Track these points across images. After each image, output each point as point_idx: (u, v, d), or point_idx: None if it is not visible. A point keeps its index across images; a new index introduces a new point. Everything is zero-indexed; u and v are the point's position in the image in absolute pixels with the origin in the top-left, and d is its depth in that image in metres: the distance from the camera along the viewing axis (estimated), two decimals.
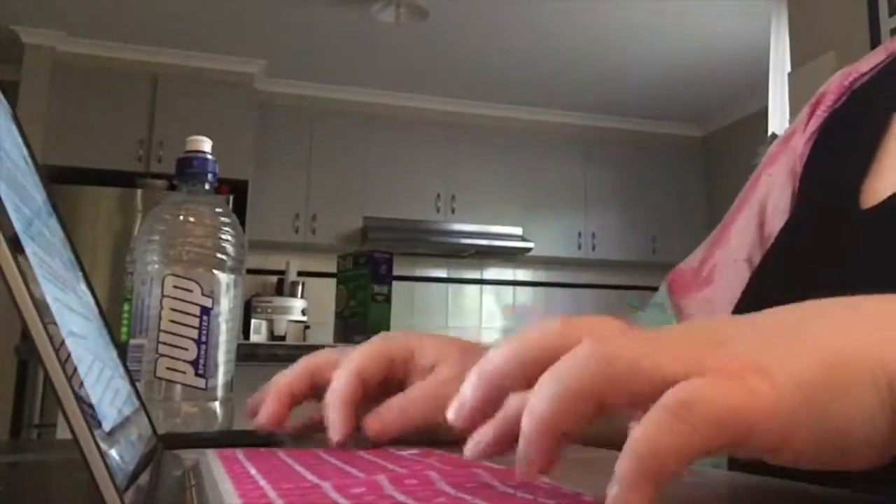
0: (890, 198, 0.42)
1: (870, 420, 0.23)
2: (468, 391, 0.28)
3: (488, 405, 0.27)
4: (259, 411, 0.50)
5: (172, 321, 0.61)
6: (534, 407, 0.24)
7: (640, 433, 0.22)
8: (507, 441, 0.26)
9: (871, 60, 0.54)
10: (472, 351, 0.50)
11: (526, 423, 0.24)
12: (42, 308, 0.21)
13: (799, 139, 0.55)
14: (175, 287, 0.62)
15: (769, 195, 0.56)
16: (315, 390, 0.50)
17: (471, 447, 0.27)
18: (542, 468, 0.25)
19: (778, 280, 0.48)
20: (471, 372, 0.28)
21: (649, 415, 0.22)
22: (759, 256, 0.55)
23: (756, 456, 0.24)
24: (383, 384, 0.48)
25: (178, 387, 0.61)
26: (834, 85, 0.55)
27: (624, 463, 0.22)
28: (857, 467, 0.24)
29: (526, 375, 0.26)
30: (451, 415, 0.28)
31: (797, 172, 0.54)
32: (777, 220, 0.54)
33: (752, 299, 0.49)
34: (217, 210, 0.66)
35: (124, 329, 1.41)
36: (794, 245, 0.49)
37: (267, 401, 0.49)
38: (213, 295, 0.63)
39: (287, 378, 0.50)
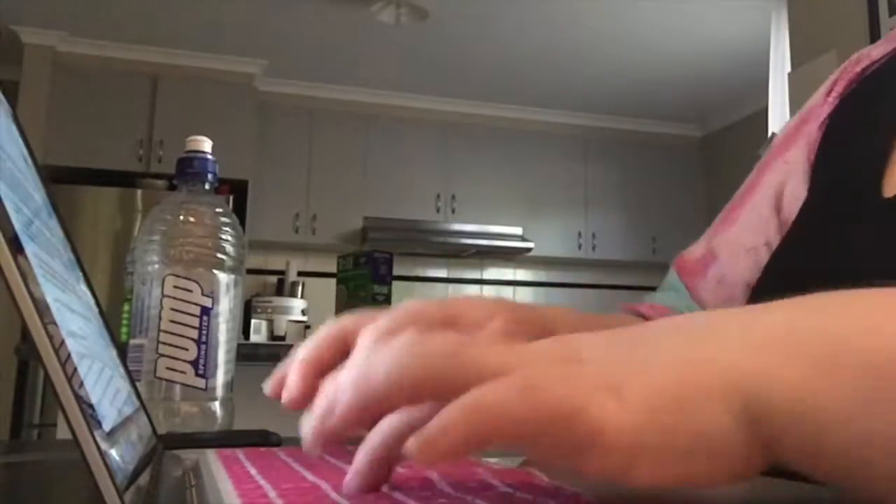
0: None
1: (723, 440, 0.23)
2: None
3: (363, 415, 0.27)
4: (282, 388, 0.42)
5: (172, 321, 0.61)
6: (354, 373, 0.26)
7: (483, 393, 0.23)
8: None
9: (884, 47, 0.53)
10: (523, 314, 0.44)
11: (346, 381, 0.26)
12: (42, 308, 0.21)
13: (813, 125, 0.55)
14: (175, 287, 0.62)
15: (787, 181, 0.55)
16: (345, 357, 0.44)
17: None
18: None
19: (800, 269, 0.48)
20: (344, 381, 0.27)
21: (501, 383, 0.23)
22: (778, 241, 0.54)
23: (598, 477, 0.24)
24: None
25: (178, 387, 0.61)
26: (846, 71, 0.55)
27: (456, 411, 0.22)
28: (716, 485, 0.24)
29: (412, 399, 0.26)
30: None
31: (811, 160, 0.54)
32: (795, 207, 0.54)
33: (773, 283, 0.49)
34: (217, 210, 0.66)
35: (124, 329, 1.41)
36: (813, 230, 0.49)
37: (291, 375, 0.39)
38: (213, 295, 0.63)
39: (313, 346, 0.39)
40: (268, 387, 0.38)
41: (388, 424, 0.26)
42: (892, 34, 0.54)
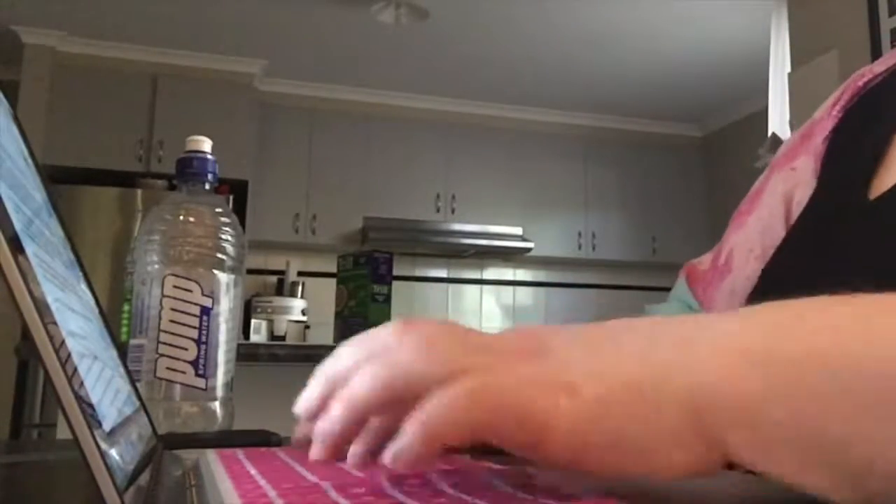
0: (894, 187, 0.43)
1: (669, 443, 0.24)
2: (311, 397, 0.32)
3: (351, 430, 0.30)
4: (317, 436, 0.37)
5: (172, 321, 0.61)
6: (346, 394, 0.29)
7: (435, 401, 0.25)
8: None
9: (887, 62, 0.54)
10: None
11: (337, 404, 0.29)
12: (42, 308, 0.21)
13: (818, 138, 0.56)
14: (175, 287, 0.62)
15: (795, 190, 0.56)
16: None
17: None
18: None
19: (790, 272, 0.49)
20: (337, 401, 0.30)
21: (451, 388, 0.25)
22: None
23: (551, 466, 0.25)
24: None
25: (178, 387, 0.61)
26: (850, 86, 0.56)
27: (414, 420, 0.25)
28: (669, 479, 0.25)
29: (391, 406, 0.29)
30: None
31: (817, 170, 0.55)
32: None
33: (766, 286, 0.50)
34: (217, 210, 0.66)
35: (124, 329, 1.41)
36: (805, 237, 0.50)
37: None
38: (213, 295, 0.63)
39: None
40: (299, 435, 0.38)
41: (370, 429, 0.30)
42: (895, 51, 0.55)
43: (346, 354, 0.31)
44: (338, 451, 0.29)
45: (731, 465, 0.25)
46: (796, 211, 0.55)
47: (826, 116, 0.56)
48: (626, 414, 0.24)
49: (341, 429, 0.29)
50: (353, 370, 0.29)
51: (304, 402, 0.33)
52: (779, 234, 0.56)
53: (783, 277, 0.49)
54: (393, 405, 0.27)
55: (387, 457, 0.25)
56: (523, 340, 0.28)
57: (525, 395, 0.25)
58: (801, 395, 0.22)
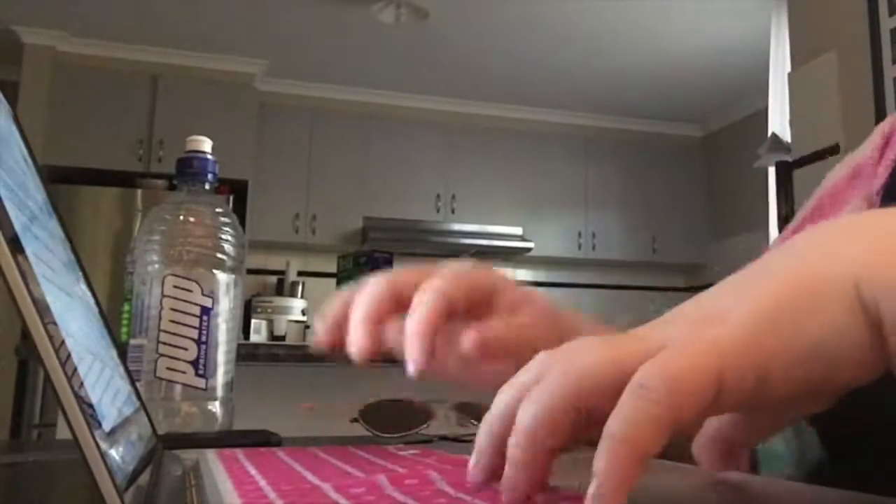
0: None
1: (845, 335, 0.23)
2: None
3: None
4: (339, 337, 0.41)
5: (172, 321, 0.61)
6: (518, 428, 0.25)
7: (609, 426, 0.23)
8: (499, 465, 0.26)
9: None
10: (551, 307, 0.45)
11: (512, 446, 0.25)
12: (42, 308, 0.21)
13: (870, 189, 0.53)
14: (175, 287, 0.62)
15: None
16: (400, 311, 0.41)
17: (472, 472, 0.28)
18: (532, 490, 0.25)
19: None
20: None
21: (615, 409, 0.23)
22: None
23: (753, 405, 0.24)
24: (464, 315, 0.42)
25: (178, 387, 0.61)
26: None
27: (601, 458, 0.22)
28: (847, 385, 0.24)
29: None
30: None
31: None
32: None
33: None
34: (217, 210, 0.66)
35: (124, 329, 1.41)
36: None
37: (355, 329, 0.39)
38: (213, 295, 0.63)
39: (372, 299, 0.40)
40: (321, 336, 0.40)
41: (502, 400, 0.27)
42: None
43: (500, 401, 0.27)
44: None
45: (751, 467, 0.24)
46: None
47: (875, 162, 0.53)
48: (790, 309, 0.24)
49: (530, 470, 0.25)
50: (508, 415, 0.26)
51: (329, 320, 0.36)
52: None
53: None
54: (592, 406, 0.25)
55: (591, 491, 0.22)
56: (696, 307, 0.27)
57: (673, 359, 0.23)
58: None
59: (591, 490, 0.22)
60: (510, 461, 0.25)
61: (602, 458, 0.22)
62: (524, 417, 0.25)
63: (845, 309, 0.23)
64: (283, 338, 4.18)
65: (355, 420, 0.61)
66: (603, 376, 0.24)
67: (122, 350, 0.42)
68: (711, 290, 0.27)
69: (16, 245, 0.21)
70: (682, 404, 0.22)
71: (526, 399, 0.25)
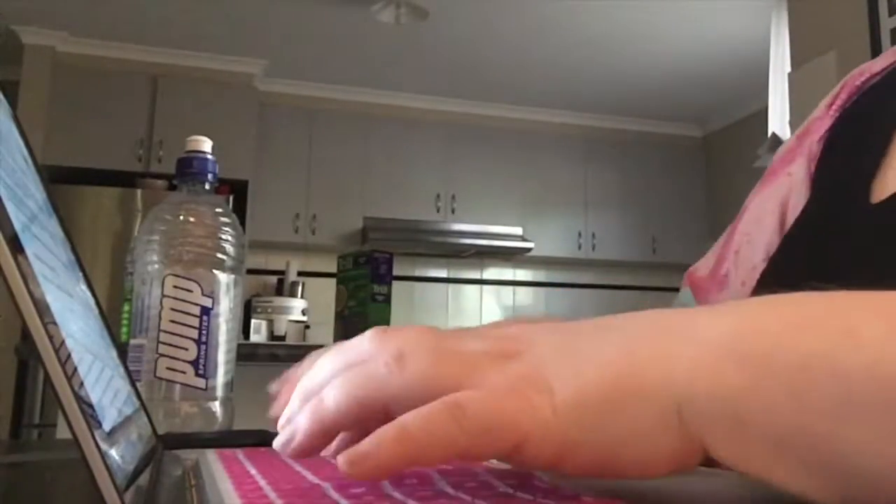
0: None
1: (648, 438, 0.24)
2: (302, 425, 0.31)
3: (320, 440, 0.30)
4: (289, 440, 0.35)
5: (172, 321, 0.61)
6: (318, 405, 0.29)
7: (406, 417, 0.24)
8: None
9: (885, 60, 0.53)
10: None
11: (306, 411, 0.30)
12: (42, 308, 0.21)
13: (814, 138, 0.54)
14: (175, 287, 0.62)
15: (790, 194, 0.55)
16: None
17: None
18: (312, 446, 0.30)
19: (788, 277, 0.48)
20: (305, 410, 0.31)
21: (428, 406, 0.25)
22: None
23: (535, 469, 0.25)
24: None
25: (178, 387, 0.61)
26: (847, 84, 0.54)
27: (389, 430, 0.24)
28: (649, 476, 0.24)
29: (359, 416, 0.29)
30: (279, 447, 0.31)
31: (811, 172, 0.53)
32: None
33: (763, 293, 0.49)
34: (217, 210, 0.66)
35: (124, 329, 1.41)
36: (804, 242, 0.49)
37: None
38: (213, 295, 0.63)
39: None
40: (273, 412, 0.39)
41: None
42: (894, 48, 0.54)
43: (322, 364, 0.31)
44: (305, 456, 0.30)
45: (712, 463, 0.25)
46: (790, 215, 0.54)
47: (822, 115, 0.55)
48: (602, 408, 0.24)
49: (309, 441, 0.29)
50: (326, 381, 0.29)
51: (279, 410, 0.34)
52: (773, 239, 0.55)
53: (781, 283, 0.48)
54: (363, 420, 0.28)
55: (343, 459, 0.24)
56: (499, 343, 0.28)
57: (497, 404, 0.24)
58: (779, 390, 0.22)
59: (349, 450, 0.24)
60: (297, 421, 0.30)
61: (379, 436, 0.24)
62: (327, 397, 0.29)
63: (657, 418, 0.24)
64: (283, 338, 4.18)
65: None
66: (415, 391, 0.26)
67: (122, 350, 0.42)
68: (552, 333, 0.28)
69: (16, 245, 0.21)
70: (479, 444, 0.24)
71: (334, 382, 0.29)
